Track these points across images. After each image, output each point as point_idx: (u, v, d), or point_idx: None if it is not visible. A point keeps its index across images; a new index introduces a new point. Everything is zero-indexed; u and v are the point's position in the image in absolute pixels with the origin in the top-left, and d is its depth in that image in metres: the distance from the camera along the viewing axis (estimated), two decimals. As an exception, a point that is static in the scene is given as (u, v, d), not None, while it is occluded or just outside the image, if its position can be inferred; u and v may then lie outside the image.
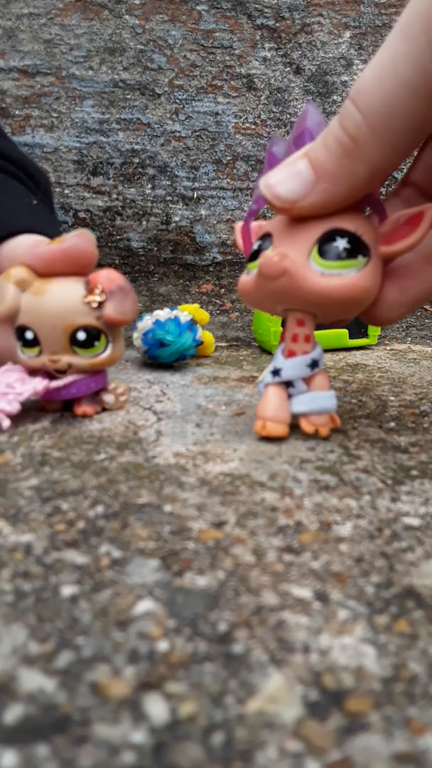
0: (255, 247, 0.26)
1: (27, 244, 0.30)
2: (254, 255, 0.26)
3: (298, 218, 0.24)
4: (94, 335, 0.29)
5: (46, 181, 0.45)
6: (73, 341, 0.28)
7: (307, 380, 0.26)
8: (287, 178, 0.23)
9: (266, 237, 0.26)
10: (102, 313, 0.28)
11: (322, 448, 0.26)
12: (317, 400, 0.26)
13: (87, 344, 0.29)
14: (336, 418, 0.28)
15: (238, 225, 0.29)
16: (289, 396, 0.27)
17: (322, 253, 0.23)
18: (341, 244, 0.23)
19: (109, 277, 0.28)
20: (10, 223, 0.33)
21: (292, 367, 0.26)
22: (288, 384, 0.26)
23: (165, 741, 0.12)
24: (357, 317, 0.27)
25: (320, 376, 0.27)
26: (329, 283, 0.23)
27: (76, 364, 0.29)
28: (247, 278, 0.26)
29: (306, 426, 0.27)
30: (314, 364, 0.26)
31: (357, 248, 0.23)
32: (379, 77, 0.20)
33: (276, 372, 0.26)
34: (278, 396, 0.26)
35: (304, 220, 0.24)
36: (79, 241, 0.29)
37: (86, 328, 0.28)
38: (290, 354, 0.26)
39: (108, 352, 0.29)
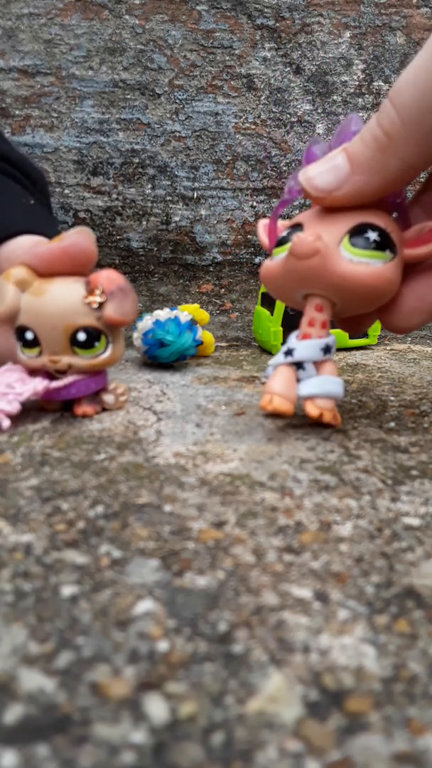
0: (285, 233, 0.27)
1: (26, 244, 0.30)
2: (281, 241, 0.26)
3: (330, 210, 0.25)
4: (94, 336, 0.29)
5: (44, 181, 0.45)
6: (74, 342, 0.28)
7: (317, 366, 0.27)
8: (325, 170, 0.24)
9: (296, 227, 0.26)
10: (102, 313, 0.28)
11: (322, 448, 0.26)
12: (326, 384, 0.26)
13: (87, 345, 0.29)
14: (337, 416, 0.28)
15: (262, 223, 0.29)
16: (297, 380, 0.27)
17: (352, 244, 0.24)
18: (372, 236, 0.24)
19: (109, 278, 0.28)
20: (9, 224, 0.33)
21: (306, 348, 0.26)
22: (297, 367, 0.27)
23: (165, 741, 0.12)
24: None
25: (330, 364, 0.27)
26: (357, 269, 0.24)
27: (77, 365, 0.29)
28: (271, 263, 0.27)
29: (311, 409, 0.26)
30: (327, 349, 0.26)
31: (385, 243, 0.25)
32: (414, 77, 0.22)
33: (289, 352, 0.26)
34: (288, 375, 0.26)
35: (337, 213, 0.25)
36: (79, 238, 0.29)
37: (86, 329, 0.28)
38: (305, 337, 0.26)
39: (108, 353, 0.29)
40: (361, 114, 0.62)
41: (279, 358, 0.27)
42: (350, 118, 0.26)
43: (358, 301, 0.26)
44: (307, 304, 0.27)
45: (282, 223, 0.29)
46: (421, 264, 0.26)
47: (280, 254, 0.26)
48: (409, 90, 0.22)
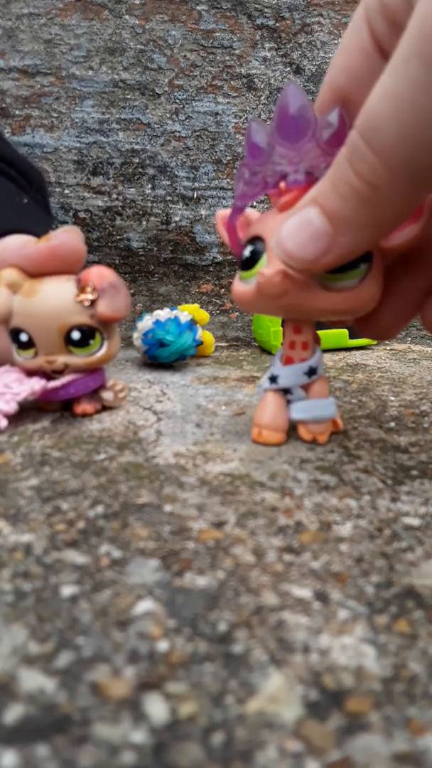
0: (247, 253, 0.24)
1: (15, 245, 0.30)
2: (248, 262, 0.24)
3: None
4: (88, 334, 0.29)
5: (40, 179, 0.44)
6: (68, 341, 0.28)
7: (306, 387, 0.26)
8: (301, 235, 0.20)
9: (257, 240, 0.24)
10: (95, 310, 0.28)
11: (322, 448, 0.26)
12: (315, 408, 0.26)
13: (82, 343, 0.29)
14: (339, 423, 0.28)
15: (220, 214, 0.27)
16: (288, 402, 0.26)
17: None
18: None
19: (99, 275, 0.28)
20: None
21: (290, 374, 0.26)
22: (286, 390, 0.26)
23: (165, 741, 0.12)
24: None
25: (319, 382, 0.26)
26: (333, 297, 0.23)
27: (73, 364, 0.29)
28: (244, 287, 0.25)
29: (304, 434, 0.26)
30: (312, 372, 0.26)
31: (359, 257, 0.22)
32: (395, 111, 0.17)
33: (273, 379, 0.26)
34: (276, 402, 0.26)
35: None
36: (66, 237, 0.29)
37: (80, 327, 0.28)
38: (288, 361, 0.26)
39: (104, 350, 0.29)
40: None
41: (265, 383, 0.26)
42: (287, 94, 0.21)
43: (338, 319, 0.25)
44: (285, 324, 0.26)
45: (247, 217, 0.26)
46: (393, 263, 0.24)
47: (250, 279, 0.24)
48: (390, 126, 0.17)
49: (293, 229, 0.20)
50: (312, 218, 0.20)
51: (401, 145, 0.17)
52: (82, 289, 0.28)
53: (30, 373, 0.30)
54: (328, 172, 0.20)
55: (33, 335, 0.28)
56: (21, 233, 0.32)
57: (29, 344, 0.29)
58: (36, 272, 0.29)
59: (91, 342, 0.29)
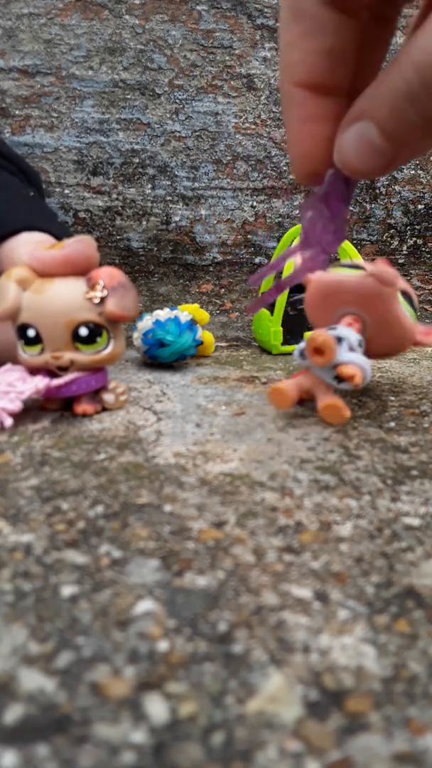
0: (345, 266, 0.33)
1: (28, 246, 0.31)
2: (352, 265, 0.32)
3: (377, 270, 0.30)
4: (95, 331, 0.29)
5: (38, 178, 0.45)
6: (76, 337, 0.29)
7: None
8: (361, 150, 0.20)
9: (354, 267, 0.32)
10: (103, 308, 0.28)
11: (322, 448, 0.26)
12: (363, 361, 0.29)
13: (89, 340, 0.29)
14: (347, 411, 0.28)
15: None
16: (339, 341, 0.29)
17: (403, 299, 0.32)
18: (414, 299, 0.34)
19: (110, 274, 0.29)
20: (10, 221, 0.33)
21: (351, 334, 0.30)
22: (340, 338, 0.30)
23: (165, 741, 0.12)
24: None
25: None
26: (405, 319, 0.32)
27: (79, 361, 0.29)
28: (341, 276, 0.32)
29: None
30: (360, 344, 0.31)
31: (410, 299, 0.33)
32: (401, 104, 0.18)
33: (339, 340, 0.29)
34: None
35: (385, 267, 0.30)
36: (81, 246, 0.29)
37: (88, 324, 0.29)
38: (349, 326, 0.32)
39: (110, 349, 0.30)
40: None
41: (332, 332, 0.30)
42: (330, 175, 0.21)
43: (387, 337, 0.32)
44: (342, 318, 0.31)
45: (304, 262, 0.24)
46: None
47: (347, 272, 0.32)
48: (402, 119, 0.18)
49: (353, 146, 0.20)
50: (371, 137, 0.20)
51: (415, 132, 0.18)
52: (92, 287, 0.29)
53: (33, 371, 0.30)
54: (379, 86, 0.19)
55: (41, 331, 0.29)
56: (32, 230, 0.33)
57: (36, 340, 0.29)
58: (46, 275, 0.29)
59: (98, 339, 0.29)
